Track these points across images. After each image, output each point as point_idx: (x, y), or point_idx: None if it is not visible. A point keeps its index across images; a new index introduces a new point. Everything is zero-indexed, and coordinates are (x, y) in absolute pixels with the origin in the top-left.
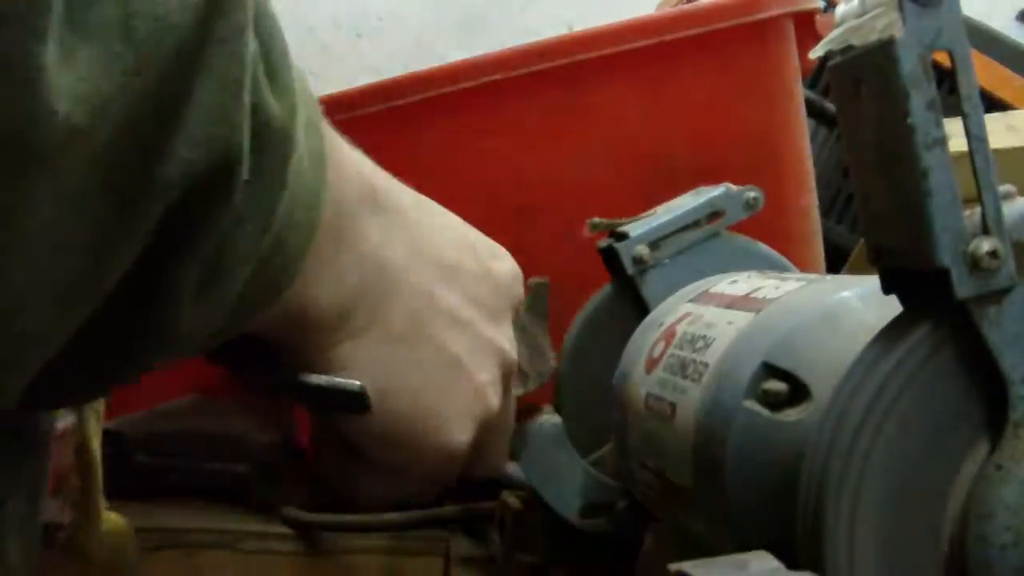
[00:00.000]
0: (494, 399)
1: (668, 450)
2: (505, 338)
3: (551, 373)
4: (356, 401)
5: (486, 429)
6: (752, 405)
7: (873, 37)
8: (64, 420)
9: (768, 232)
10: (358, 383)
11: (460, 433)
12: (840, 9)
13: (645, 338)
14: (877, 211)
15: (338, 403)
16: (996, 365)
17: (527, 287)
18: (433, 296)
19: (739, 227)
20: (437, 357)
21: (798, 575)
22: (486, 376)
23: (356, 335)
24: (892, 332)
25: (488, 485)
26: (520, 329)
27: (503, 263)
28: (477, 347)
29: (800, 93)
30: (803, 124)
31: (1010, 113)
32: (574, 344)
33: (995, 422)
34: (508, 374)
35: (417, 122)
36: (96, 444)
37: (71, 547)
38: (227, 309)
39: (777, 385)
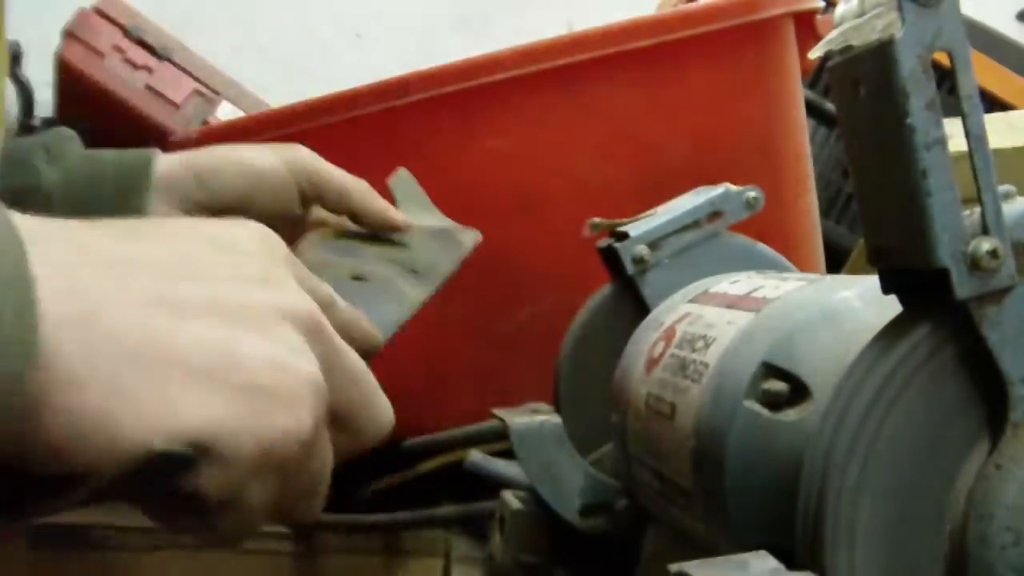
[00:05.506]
0: (302, 362)
1: (668, 450)
2: (286, 293)
3: (474, 242)
4: (186, 460)
5: (334, 391)
6: (752, 405)
7: (873, 37)
8: None
9: (768, 232)
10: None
11: (291, 418)
12: (840, 9)
13: (645, 338)
14: (877, 211)
15: (167, 469)
16: (996, 365)
17: (391, 185)
18: (163, 297)
19: (739, 227)
20: (203, 356)
21: (798, 575)
22: (277, 347)
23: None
24: (892, 332)
25: (488, 485)
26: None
27: (243, 229)
28: (247, 322)
29: (800, 93)
30: (803, 124)
31: (1010, 113)
32: (574, 344)
33: (995, 422)
34: (314, 324)
35: (417, 122)
36: None
37: None
38: None
39: (777, 385)
